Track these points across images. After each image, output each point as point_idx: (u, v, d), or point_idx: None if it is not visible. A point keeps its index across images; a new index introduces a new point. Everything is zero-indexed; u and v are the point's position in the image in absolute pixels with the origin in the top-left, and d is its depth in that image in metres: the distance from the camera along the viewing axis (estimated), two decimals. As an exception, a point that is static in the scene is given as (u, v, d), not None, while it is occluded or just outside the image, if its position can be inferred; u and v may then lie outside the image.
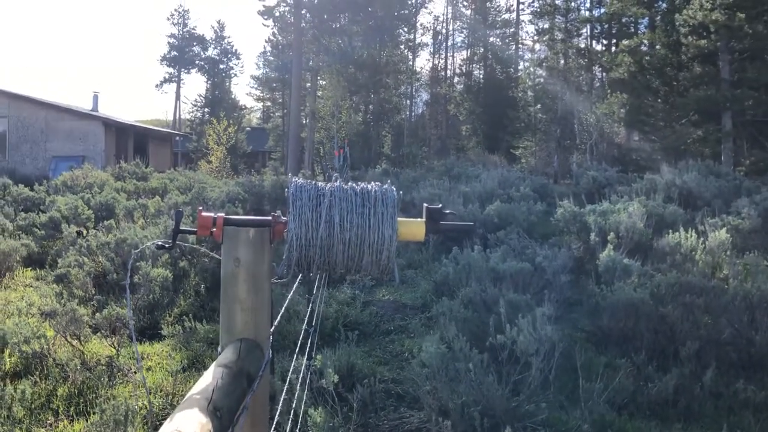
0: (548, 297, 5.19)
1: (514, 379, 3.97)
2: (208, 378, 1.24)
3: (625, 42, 25.72)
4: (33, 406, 4.28)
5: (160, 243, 1.67)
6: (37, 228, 10.22)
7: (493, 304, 5.28)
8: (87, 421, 4.13)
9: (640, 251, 6.98)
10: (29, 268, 8.85)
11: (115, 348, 5.32)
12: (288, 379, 3.32)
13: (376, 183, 1.67)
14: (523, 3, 42.60)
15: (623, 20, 29.85)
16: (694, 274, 5.78)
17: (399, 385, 4.62)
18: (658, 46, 23.99)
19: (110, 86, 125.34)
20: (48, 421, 4.17)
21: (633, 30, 29.91)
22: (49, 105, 27.95)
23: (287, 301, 3.07)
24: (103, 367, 4.89)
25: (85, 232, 9.91)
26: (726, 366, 4.60)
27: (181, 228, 1.68)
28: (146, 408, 4.09)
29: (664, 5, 24.82)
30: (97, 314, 5.64)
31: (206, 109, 55.50)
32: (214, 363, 1.34)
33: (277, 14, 33.12)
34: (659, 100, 23.57)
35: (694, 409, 4.10)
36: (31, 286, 7.86)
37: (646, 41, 25.49)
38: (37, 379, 4.69)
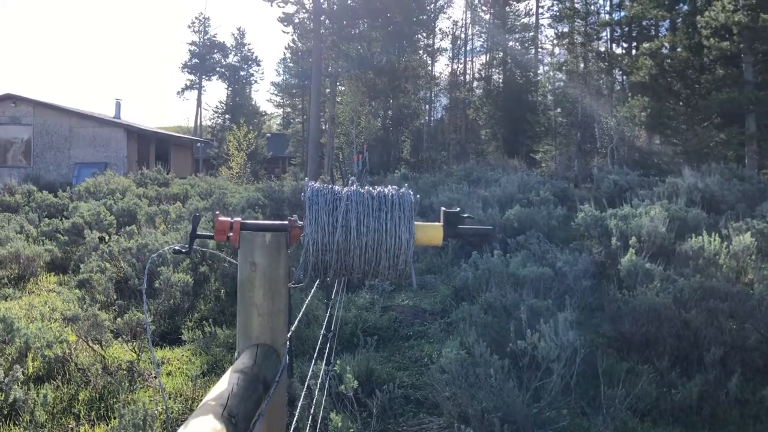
0: (569, 302, 5.13)
1: (535, 385, 3.92)
2: (224, 384, 1.23)
3: (645, 45, 25.43)
4: (55, 411, 4.32)
5: (177, 248, 1.67)
6: (60, 234, 10.34)
7: (513, 310, 5.24)
8: (108, 425, 4.16)
9: (663, 256, 6.89)
10: (52, 274, 8.95)
11: (135, 353, 5.36)
12: (307, 384, 3.32)
13: (393, 187, 1.66)
14: (542, 7, 42.41)
15: (643, 23, 29.55)
16: (718, 278, 5.69)
17: (418, 391, 4.60)
18: (679, 49, 23.72)
19: (132, 93, 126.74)
20: (69, 426, 4.20)
21: (654, 33, 29.61)
22: (73, 112, 28.32)
23: (305, 305, 3.07)
24: (124, 372, 4.92)
25: (107, 237, 10.02)
26: (752, 372, 4.52)
27: (198, 233, 1.68)
28: (165, 412, 4.11)
29: (686, 7, 24.54)
30: (119, 319, 5.69)
31: (227, 116, 55.95)
32: (230, 368, 1.34)
33: (297, 21, 33.25)
34: (681, 103, 23.30)
35: (719, 416, 4.03)
36: (54, 291, 7.95)
37: (667, 44, 25.20)
38: (60, 384, 4.74)
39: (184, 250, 1.66)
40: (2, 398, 4.22)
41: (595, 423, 3.92)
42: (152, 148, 31.34)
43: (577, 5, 32.91)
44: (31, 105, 27.61)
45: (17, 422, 4.10)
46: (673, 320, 4.92)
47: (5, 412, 4.17)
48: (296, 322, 2.31)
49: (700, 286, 5.29)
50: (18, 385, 4.33)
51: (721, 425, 3.98)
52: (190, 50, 60.84)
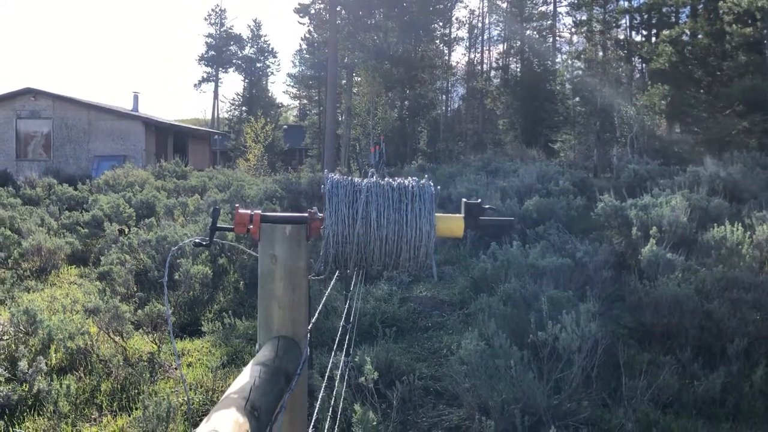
0: (590, 293, 5.09)
1: (556, 376, 3.90)
2: (246, 377, 1.23)
3: (665, 32, 25.11)
4: (78, 401, 4.37)
5: (197, 240, 1.67)
6: (80, 226, 10.45)
7: (533, 301, 5.21)
8: (129, 416, 4.20)
9: (684, 246, 6.81)
10: (73, 266, 9.05)
11: (156, 344, 5.40)
12: (327, 376, 3.32)
13: (413, 178, 1.64)
14: (560, -5, 42.02)
15: (663, 10, 29.14)
16: (741, 268, 5.61)
17: (438, 382, 4.59)
18: (700, 36, 23.39)
19: (150, 86, 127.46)
20: (92, 416, 4.24)
21: (674, 19, 29.21)
22: (91, 105, 28.54)
23: (325, 297, 3.07)
24: (145, 363, 4.96)
25: (126, 230, 10.11)
26: (776, 364, 4.46)
27: (218, 225, 1.68)
28: (186, 403, 4.14)
29: (707, -7, 24.18)
30: (139, 311, 5.74)
31: (244, 108, 56.17)
32: (252, 361, 1.33)
33: (313, 12, 33.28)
34: (702, 91, 23.00)
35: (743, 408, 3.98)
36: (75, 284, 8.03)
37: (687, 30, 24.85)
38: (82, 375, 4.79)
39: (204, 243, 1.66)
40: (27, 389, 4.28)
41: (616, 415, 3.88)
42: (170, 140, 31.51)
43: (595, -7, 32.52)
44: (51, 99, 27.85)
45: (41, 413, 4.15)
46: (696, 311, 4.86)
47: (30, 403, 4.22)
48: (316, 314, 2.31)
49: (723, 276, 5.22)
50: (42, 376, 4.39)
51: (745, 417, 3.93)
52: (206, 42, 61.07)
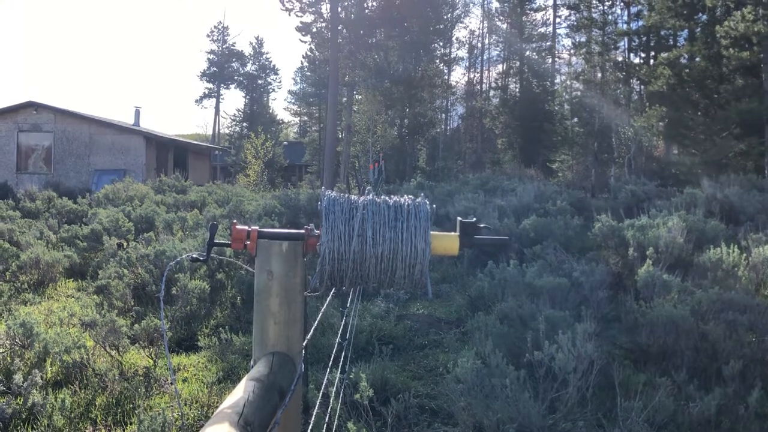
0: (586, 313, 5.10)
1: (551, 396, 3.90)
2: (240, 392, 1.24)
3: (663, 54, 25.29)
4: (72, 416, 4.35)
5: (194, 256, 1.69)
6: (79, 240, 10.45)
7: (529, 320, 5.21)
8: (124, 431, 4.19)
9: (680, 267, 6.82)
10: (71, 279, 9.04)
11: (152, 359, 5.39)
12: (322, 393, 3.32)
13: (409, 196, 1.66)
14: (559, 17, 42.32)
15: (662, 33, 29.35)
16: (737, 290, 5.62)
17: (433, 401, 4.59)
18: (698, 59, 23.54)
19: (152, 101, 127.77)
20: (87, 431, 4.23)
21: (672, 42, 29.43)
22: (93, 119, 28.63)
23: (321, 314, 3.08)
24: (141, 378, 4.95)
25: (125, 244, 10.11)
26: (772, 386, 4.45)
27: (215, 241, 1.70)
28: (180, 418, 4.13)
29: (704, 17, 24.37)
30: (136, 325, 5.73)
31: (244, 124, 56.39)
32: (246, 377, 1.35)
33: (314, 30, 33.37)
34: (699, 113, 23.10)
35: (738, 430, 3.97)
36: (73, 297, 8.02)
37: (685, 53, 25.02)
38: (77, 389, 4.78)
39: (201, 258, 1.68)
40: (21, 402, 4.27)
41: (611, 435, 3.88)
42: (170, 155, 31.57)
43: (594, 15, 32.80)
44: (53, 112, 27.94)
45: (35, 426, 4.14)
46: (691, 332, 4.87)
47: (24, 417, 4.21)
48: (312, 330, 2.32)
49: (719, 298, 5.23)
50: (37, 390, 4.38)
51: (740, 439, 3.92)
52: (208, 59, 61.44)
